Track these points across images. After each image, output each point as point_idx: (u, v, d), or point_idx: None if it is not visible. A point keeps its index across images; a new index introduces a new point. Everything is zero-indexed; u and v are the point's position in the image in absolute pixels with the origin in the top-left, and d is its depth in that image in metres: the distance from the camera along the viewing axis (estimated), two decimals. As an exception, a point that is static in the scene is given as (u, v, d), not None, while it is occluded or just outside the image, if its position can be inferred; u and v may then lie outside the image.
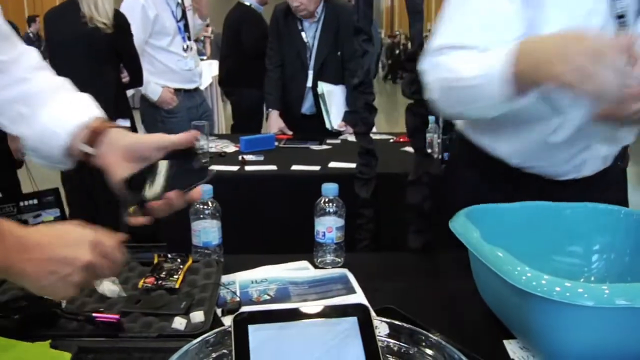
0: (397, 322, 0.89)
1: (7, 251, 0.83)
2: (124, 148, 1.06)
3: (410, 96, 1.62)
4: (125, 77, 3.47)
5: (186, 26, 3.82)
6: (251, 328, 0.80)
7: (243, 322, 0.80)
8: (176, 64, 3.78)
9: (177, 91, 3.81)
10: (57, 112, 1.11)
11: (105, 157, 1.08)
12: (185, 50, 3.80)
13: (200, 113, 3.97)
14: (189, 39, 3.85)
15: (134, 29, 3.41)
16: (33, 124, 1.11)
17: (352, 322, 0.81)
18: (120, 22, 3.29)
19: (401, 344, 0.87)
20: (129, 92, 3.72)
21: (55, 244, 0.87)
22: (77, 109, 1.13)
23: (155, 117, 3.82)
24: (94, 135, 1.08)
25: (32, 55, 1.20)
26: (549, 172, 1.52)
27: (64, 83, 1.19)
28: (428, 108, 1.56)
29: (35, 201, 2.74)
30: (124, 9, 3.51)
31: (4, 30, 1.16)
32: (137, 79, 3.51)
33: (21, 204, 2.73)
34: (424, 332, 0.87)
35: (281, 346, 0.79)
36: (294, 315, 0.82)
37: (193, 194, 1.04)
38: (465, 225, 1.15)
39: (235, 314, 0.81)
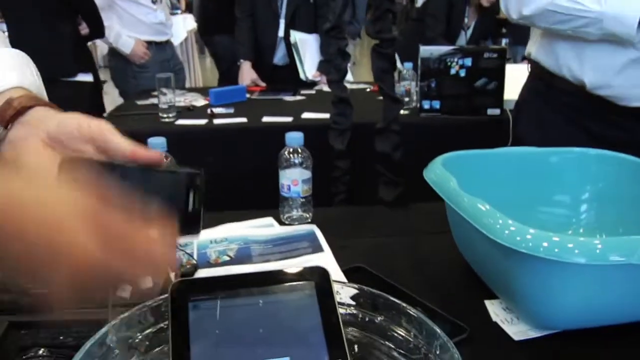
0: (362, 287, 0.78)
1: None
2: (47, 134, 0.72)
3: (375, 36, 1.50)
4: (84, 30, 3.35)
5: None
6: (191, 298, 0.69)
7: (182, 292, 0.69)
8: (145, 17, 3.67)
9: (149, 44, 3.72)
10: None
11: (21, 142, 0.73)
12: (154, 2, 3.69)
13: (172, 66, 3.86)
14: None
15: None
16: None
17: (308, 289, 0.70)
18: None
19: (367, 312, 0.76)
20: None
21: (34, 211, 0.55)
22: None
23: (127, 72, 3.70)
24: (6, 112, 0.75)
25: None
26: (625, 95, 1.53)
27: None
28: (394, 47, 1.46)
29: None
30: None
31: None
32: (96, 31, 3.39)
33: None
34: (391, 298, 0.76)
35: (225, 320, 0.68)
36: (242, 282, 0.71)
37: None
38: (442, 174, 1.04)
39: (172, 283, 0.70)
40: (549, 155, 1.21)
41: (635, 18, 1.44)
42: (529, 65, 1.83)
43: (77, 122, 0.71)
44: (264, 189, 1.58)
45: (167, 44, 3.92)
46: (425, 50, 2.57)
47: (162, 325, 0.72)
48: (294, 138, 1.30)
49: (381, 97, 2.73)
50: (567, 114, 1.65)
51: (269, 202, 1.42)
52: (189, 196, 0.69)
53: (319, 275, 0.72)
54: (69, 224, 0.55)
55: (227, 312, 0.68)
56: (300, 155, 1.31)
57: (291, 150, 1.31)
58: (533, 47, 1.77)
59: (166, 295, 0.72)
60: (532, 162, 1.21)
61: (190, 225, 0.70)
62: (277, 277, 0.71)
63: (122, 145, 0.69)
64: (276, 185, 1.40)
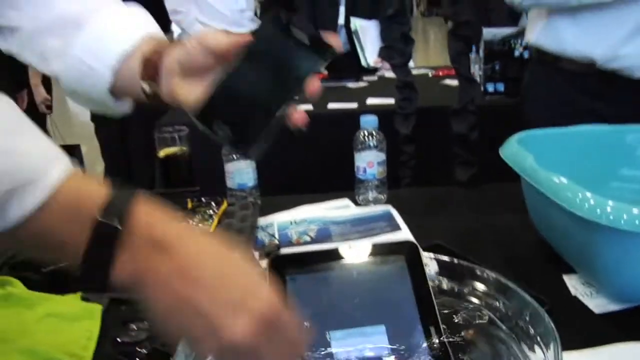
0: (446, 259, 0.81)
1: (136, 251, 0.54)
2: (178, 65, 0.75)
3: (452, 17, 1.52)
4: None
5: None
6: (289, 272, 0.73)
7: (280, 265, 0.73)
8: (224, 3, 3.50)
9: None
10: (93, 39, 0.82)
11: (168, 87, 0.77)
12: None
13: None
14: None
15: None
16: (66, 59, 0.83)
17: (400, 261, 0.74)
18: None
19: (453, 282, 0.79)
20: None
21: (210, 276, 0.55)
22: (120, 31, 0.82)
23: None
24: (150, 65, 0.78)
25: None
26: (638, 64, 1.44)
27: None
28: (472, 30, 1.47)
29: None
30: None
31: None
32: None
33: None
34: (478, 266, 0.79)
35: (322, 290, 0.72)
36: (336, 256, 0.75)
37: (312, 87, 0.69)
38: (518, 151, 1.06)
39: (271, 257, 0.74)
40: (625, 133, 1.21)
41: None
42: (530, 52, 1.75)
43: (184, 48, 0.75)
44: (337, 173, 1.62)
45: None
46: (489, 33, 2.56)
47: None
48: (369, 121, 1.33)
49: (445, 82, 2.76)
50: (576, 96, 1.56)
51: (341, 185, 1.46)
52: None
53: (409, 249, 0.75)
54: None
55: (324, 284, 0.72)
56: (375, 137, 1.34)
57: (366, 133, 1.34)
58: (532, 34, 1.67)
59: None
60: (608, 139, 1.22)
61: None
62: (370, 251, 0.75)
63: (221, 42, 0.71)
64: (347, 168, 1.44)
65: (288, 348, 0.57)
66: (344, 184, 1.43)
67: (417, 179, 2.01)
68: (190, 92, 0.73)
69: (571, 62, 1.53)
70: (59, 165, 0.55)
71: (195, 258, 0.56)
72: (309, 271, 0.73)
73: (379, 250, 0.76)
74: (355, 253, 0.75)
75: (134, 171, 3.18)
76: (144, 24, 0.84)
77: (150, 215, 0.56)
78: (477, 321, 0.74)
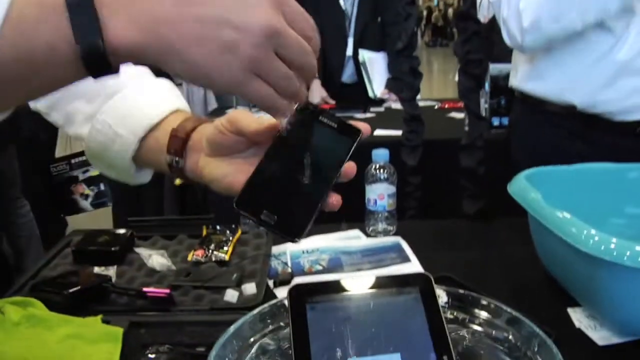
0: (457, 290, 0.85)
1: (140, 10, 0.55)
2: (207, 143, 0.75)
3: (463, 56, 1.56)
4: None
5: None
6: (308, 300, 0.76)
7: (299, 295, 0.77)
8: None
9: None
10: (123, 107, 0.85)
11: (193, 163, 0.79)
12: None
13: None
14: None
15: None
16: (94, 123, 0.86)
17: (414, 292, 0.78)
18: None
19: (462, 313, 0.83)
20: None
21: None
22: (150, 102, 0.85)
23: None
24: (177, 139, 0.79)
25: None
26: (617, 109, 1.50)
27: (139, 71, 0.90)
28: (482, 68, 1.52)
29: (84, 158, 2.80)
30: None
31: None
32: None
33: (72, 161, 2.82)
34: (487, 298, 0.83)
35: (340, 318, 0.75)
36: (353, 286, 0.79)
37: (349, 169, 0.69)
38: (525, 188, 1.10)
39: (291, 286, 0.78)
40: (627, 171, 1.26)
41: None
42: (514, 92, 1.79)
43: (214, 127, 0.74)
44: (347, 203, 1.65)
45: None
46: (495, 68, 2.61)
47: (281, 324, 0.81)
48: (381, 155, 1.38)
49: (451, 115, 2.80)
50: (560, 135, 1.61)
51: (351, 215, 1.49)
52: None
53: (423, 281, 0.79)
54: None
55: (342, 313, 0.76)
56: (386, 171, 1.38)
57: (377, 166, 1.38)
58: (515, 79, 1.72)
59: (276, 300, 0.80)
60: (611, 176, 1.26)
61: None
62: (385, 282, 0.79)
63: (251, 125, 0.70)
64: (354, 197, 1.47)
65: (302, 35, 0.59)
66: (354, 214, 1.47)
67: (422, 210, 2.04)
68: (217, 170, 0.74)
69: (553, 104, 1.59)
70: None
71: None
72: (327, 300, 0.77)
73: (395, 282, 0.79)
74: (372, 284, 0.79)
75: (143, 197, 3.21)
76: (173, 98, 0.87)
77: None
78: (487, 351, 0.77)
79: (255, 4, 0.56)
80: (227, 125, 0.72)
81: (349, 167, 0.68)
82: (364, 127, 0.70)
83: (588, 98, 1.52)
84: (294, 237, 0.65)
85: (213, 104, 3.67)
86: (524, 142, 1.75)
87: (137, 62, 0.57)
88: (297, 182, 0.66)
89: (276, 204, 0.65)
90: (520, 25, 1.50)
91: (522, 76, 1.68)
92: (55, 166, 2.80)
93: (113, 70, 0.57)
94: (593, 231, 0.89)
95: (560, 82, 1.56)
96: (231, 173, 0.72)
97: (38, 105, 0.90)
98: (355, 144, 0.69)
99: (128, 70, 0.87)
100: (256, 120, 0.71)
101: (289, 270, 1.24)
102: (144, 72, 0.90)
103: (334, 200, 0.68)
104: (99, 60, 0.55)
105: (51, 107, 0.90)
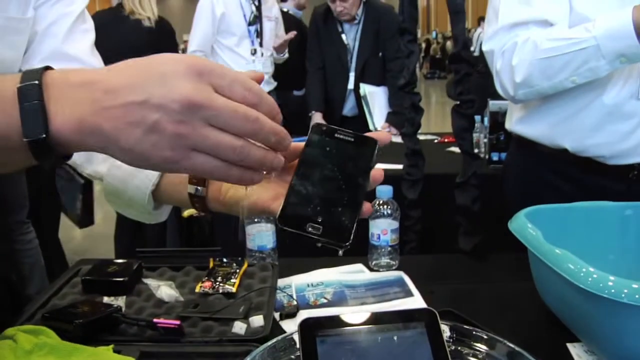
0: (462, 326, 0.88)
1: (77, 105, 0.57)
2: None
3: (456, 97, 1.61)
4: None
5: (258, 32, 3.74)
6: (318, 334, 0.79)
7: (309, 329, 0.80)
8: (241, 67, 3.64)
9: None
10: None
11: (216, 189, 0.82)
12: (253, 54, 3.71)
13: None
14: (261, 45, 3.75)
15: (203, 24, 3.56)
16: (112, 161, 0.87)
17: (420, 327, 0.81)
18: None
19: (465, 347, 0.86)
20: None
21: (137, 82, 0.57)
22: None
23: None
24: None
25: None
26: (609, 153, 1.53)
27: None
28: (474, 108, 1.56)
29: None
30: (198, 6, 3.64)
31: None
32: None
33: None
34: (489, 333, 0.86)
35: (350, 353, 0.78)
36: (361, 320, 0.82)
37: (377, 175, 0.74)
38: (525, 225, 1.13)
39: (301, 320, 0.81)
40: (623, 209, 1.29)
41: (628, 25, 1.34)
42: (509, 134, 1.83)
43: None
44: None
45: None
46: (494, 105, 2.66)
47: (292, 356, 0.83)
48: (385, 191, 1.42)
49: (451, 149, 2.83)
50: (554, 177, 1.65)
51: (354, 249, 1.52)
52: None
53: (428, 316, 0.82)
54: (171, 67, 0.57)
55: (351, 346, 0.79)
56: (389, 207, 1.42)
57: (381, 202, 1.42)
58: (510, 122, 1.76)
59: (287, 334, 0.83)
60: (608, 214, 1.29)
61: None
62: (392, 317, 0.82)
63: None
64: (360, 233, 1.50)
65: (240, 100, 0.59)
66: (356, 247, 1.49)
67: (422, 243, 2.06)
68: (240, 191, 0.78)
69: (547, 147, 1.63)
70: None
71: (117, 71, 0.59)
72: (336, 334, 0.80)
73: (401, 317, 0.82)
74: (379, 318, 0.82)
75: (145, 226, 3.24)
76: None
77: (64, 72, 0.60)
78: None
79: (173, 78, 0.56)
80: None
81: (377, 173, 0.73)
82: (385, 135, 0.75)
83: (578, 143, 1.56)
84: (344, 242, 0.71)
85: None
86: (518, 181, 1.79)
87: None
88: (334, 193, 0.70)
89: (318, 215, 0.69)
90: (512, 79, 1.55)
91: (516, 120, 1.73)
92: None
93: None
94: (592, 269, 0.92)
95: (551, 127, 1.60)
96: (255, 192, 0.76)
97: None
98: (376, 151, 0.73)
99: None
100: None
101: (295, 302, 1.26)
102: None
103: (366, 208, 0.72)
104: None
105: None
